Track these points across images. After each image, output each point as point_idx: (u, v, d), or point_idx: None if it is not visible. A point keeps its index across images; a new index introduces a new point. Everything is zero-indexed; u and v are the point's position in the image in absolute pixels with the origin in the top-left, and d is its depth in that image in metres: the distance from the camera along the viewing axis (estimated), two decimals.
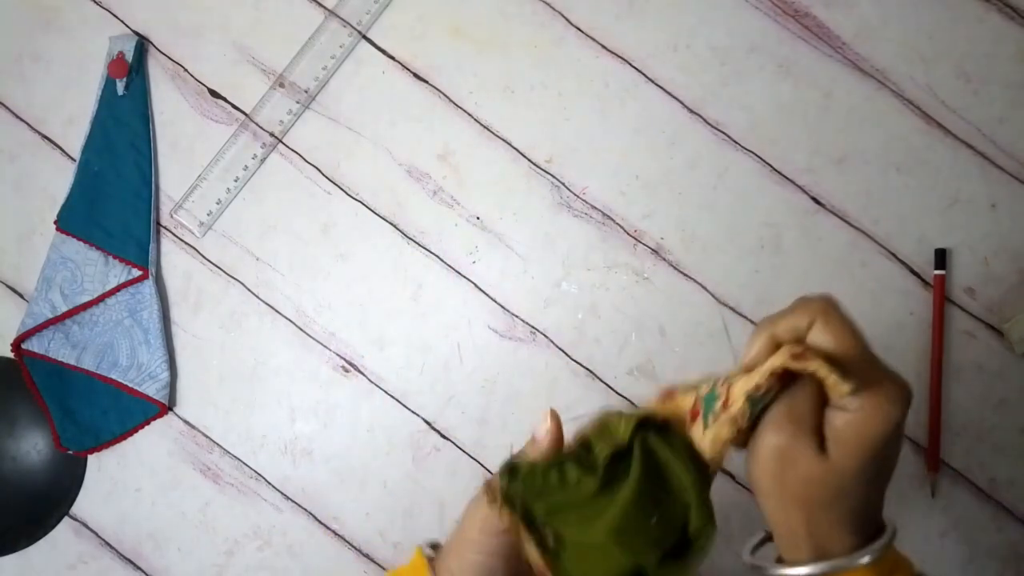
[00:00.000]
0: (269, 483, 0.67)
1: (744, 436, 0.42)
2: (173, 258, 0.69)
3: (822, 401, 0.39)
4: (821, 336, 0.38)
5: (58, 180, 0.70)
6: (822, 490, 0.39)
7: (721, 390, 0.42)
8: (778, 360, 0.38)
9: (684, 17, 0.68)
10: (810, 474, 0.39)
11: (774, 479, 0.40)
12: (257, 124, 0.69)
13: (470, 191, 0.68)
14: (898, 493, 0.64)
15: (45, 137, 0.71)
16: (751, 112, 0.67)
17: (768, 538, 0.44)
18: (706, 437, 0.43)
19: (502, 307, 0.67)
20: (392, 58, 0.69)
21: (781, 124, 0.67)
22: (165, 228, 0.69)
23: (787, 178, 0.66)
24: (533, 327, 0.67)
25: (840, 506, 0.39)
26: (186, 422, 0.68)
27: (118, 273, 0.68)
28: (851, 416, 0.38)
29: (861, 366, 0.38)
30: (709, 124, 0.67)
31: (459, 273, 0.67)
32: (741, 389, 0.41)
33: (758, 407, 0.40)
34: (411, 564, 0.47)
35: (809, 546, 0.40)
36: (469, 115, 0.68)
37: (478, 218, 0.68)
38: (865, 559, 0.38)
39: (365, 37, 0.70)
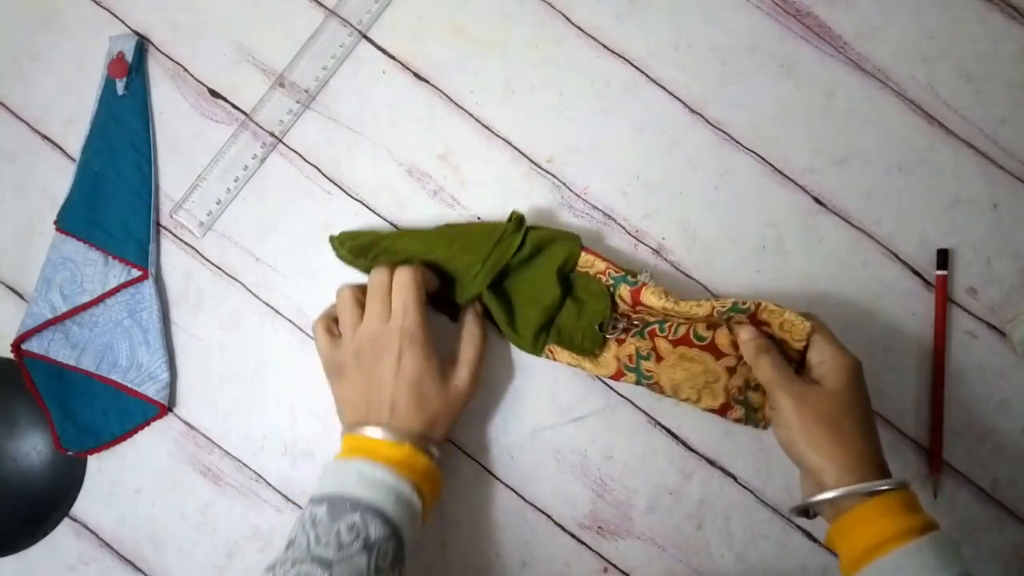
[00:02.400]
0: (269, 484, 0.67)
1: (763, 416, 0.61)
2: (173, 258, 0.69)
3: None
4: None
5: (58, 180, 0.70)
6: (831, 407, 0.53)
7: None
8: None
9: (685, 17, 0.68)
10: (818, 399, 0.54)
11: (799, 418, 0.54)
12: (257, 124, 0.69)
13: (471, 191, 0.68)
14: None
15: (45, 137, 0.71)
16: (752, 112, 0.67)
17: (804, 509, 0.55)
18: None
19: None
20: (392, 58, 0.69)
21: (782, 124, 0.67)
22: (165, 228, 0.69)
23: (788, 178, 0.66)
24: None
25: (849, 431, 0.53)
26: (186, 423, 0.68)
27: (118, 273, 0.68)
28: (827, 358, 0.56)
29: (832, 339, 0.58)
30: (710, 124, 0.67)
31: None
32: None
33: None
34: None
35: (834, 477, 0.52)
36: (470, 115, 0.68)
37: (479, 218, 0.68)
38: (886, 486, 0.50)
39: (365, 37, 0.70)
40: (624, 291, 0.61)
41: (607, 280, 0.62)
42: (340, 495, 0.52)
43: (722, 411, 0.61)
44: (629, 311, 0.62)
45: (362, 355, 0.58)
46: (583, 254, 0.62)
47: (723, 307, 0.58)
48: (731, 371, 0.60)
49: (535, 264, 0.63)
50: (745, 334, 0.58)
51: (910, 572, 0.47)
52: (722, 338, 0.59)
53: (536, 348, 0.62)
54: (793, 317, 0.57)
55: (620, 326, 0.61)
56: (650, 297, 0.60)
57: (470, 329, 0.62)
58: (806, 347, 0.58)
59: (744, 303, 0.58)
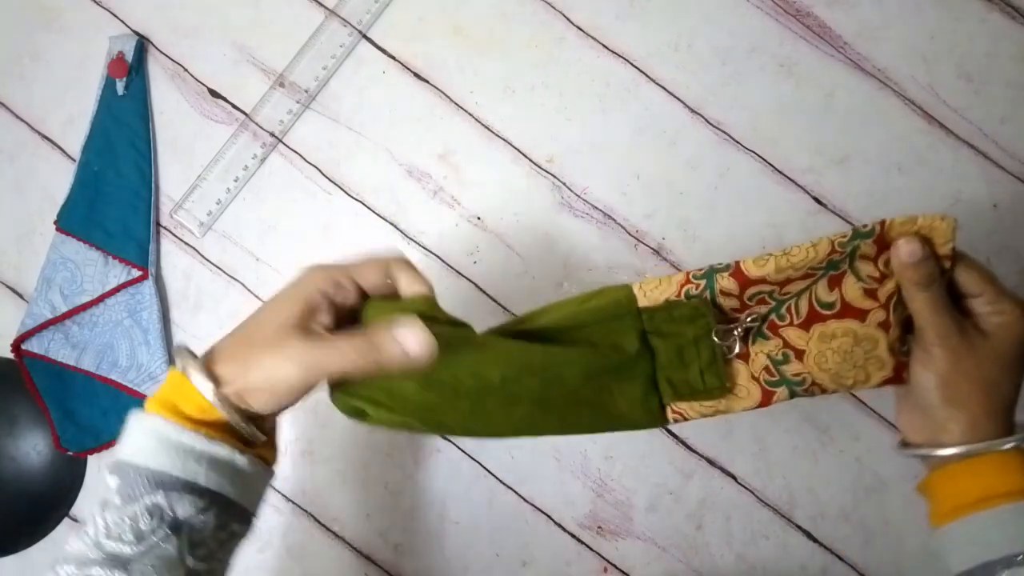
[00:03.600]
0: (269, 484, 0.67)
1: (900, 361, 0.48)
2: (173, 258, 0.69)
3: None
4: (964, 275, 0.47)
5: (58, 180, 0.70)
6: (992, 366, 0.46)
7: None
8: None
9: (685, 17, 0.68)
10: (982, 356, 0.46)
11: (953, 372, 0.46)
12: (257, 124, 0.69)
13: (471, 191, 0.68)
14: (902, 494, 0.63)
15: (45, 137, 0.71)
16: (752, 112, 0.67)
17: (904, 443, 0.50)
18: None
19: (503, 308, 0.67)
20: (392, 58, 0.69)
21: (782, 124, 0.67)
22: (165, 228, 0.69)
23: (788, 178, 0.66)
24: None
25: (998, 389, 0.46)
26: None
27: (118, 273, 0.68)
28: (1006, 317, 0.46)
29: (1005, 291, 0.47)
30: (710, 124, 0.67)
31: (460, 274, 0.67)
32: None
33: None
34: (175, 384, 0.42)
35: (963, 431, 0.46)
36: (470, 115, 0.68)
37: (479, 218, 0.68)
38: (1009, 445, 0.45)
39: (365, 37, 0.70)
40: (724, 281, 0.46)
41: (693, 291, 0.47)
42: (134, 465, 0.41)
43: (897, 377, 0.48)
44: (736, 306, 0.48)
45: None
46: (636, 290, 0.48)
47: (844, 238, 0.45)
48: (885, 326, 0.47)
49: (595, 344, 0.48)
50: (905, 251, 0.45)
51: (1015, 530, 0.44)
52: (851, 290, 0.46)
53: (658, 418, 0.49)
54: (931, 220, 0.45)
55: (736, 332, 0.48)
56: (756, 267, 0.46)
57: (377, 337, 0.42)
58: (953, 261, 0.46)
59: (866, 226, 0.45)
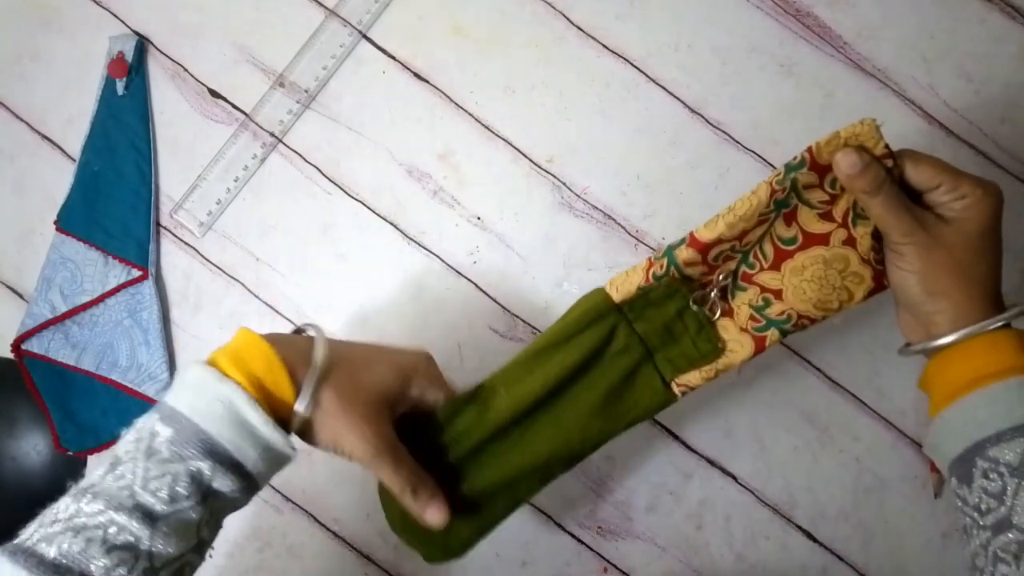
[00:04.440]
0: (269, 484, 0.67)
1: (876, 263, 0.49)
2: (173, 258, 0.69)
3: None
4: (913, 170, 0.47)
5: (58, 180, 0.70)
6: (964, 252, 0.45)
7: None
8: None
9: (685, 17, 0.68)
10: (952, 245, 0.45)
11: (927, 265, 0.46)
12: (257, 124, 0.69)
13: (471, 191, 0.68)
14: (900, 494, 0.63)
15: (45, 137, 0.71)
16: (752, 112, 0.67)
17: (906, 346, 0.49)
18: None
19: (503, 307, 0.67)
20: (392, 58, 0.69)
21: (782, 124, 0.67)
22: (165, 228, 0.69)
23: None
24: (534, 327, 0.66)
25: (975, 272, 0.46)
26: None
27: (118, 273, 0.68)
28: (967, 199, 0.45)
29: (963, 174, 0.46)
30: (710, 124, 0.67)
31: (460, 273, 0.67)
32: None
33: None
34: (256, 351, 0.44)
35: (950, 319, 0.46)
36: (470, 115, 0.68)
37: (479, 218, 0.68)
38: (996, 324, 0.44)
39: (365, 37, 0.70)
40: (684, 254, 0.49)
41: (659, 272, 0.49)
42: (193, 425, 0.41)
43: (878, 284, 0.50)
44: (704, 271, 0.50)
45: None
46: (608, 288, 0.51)
47: (779, 176, 0.47)
48: (850, 242, 0.48)
49: (585, 357, 0.51)
50: (845, 164, 0.45)
51: (1005, 406, 0.43)
52: (807, 219, 0.48)
53: (667, 397, 0.51)
54: (853, 129, 0.46)
55: (712, 294, 0.50)
56: (707, 231, 0.48)
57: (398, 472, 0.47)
58: (893, 158, 0.46)
59: (795, 158, 0.46)
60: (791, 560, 0.64)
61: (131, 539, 0.38)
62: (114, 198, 0.68)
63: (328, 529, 0.66)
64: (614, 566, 0.64)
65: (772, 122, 0.67)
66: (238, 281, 0.69)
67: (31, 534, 0.39)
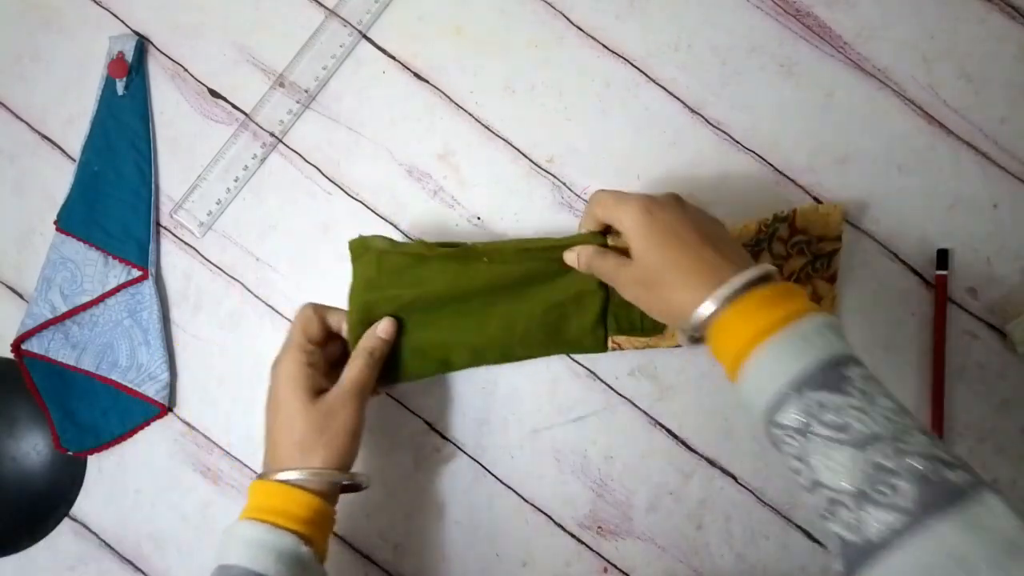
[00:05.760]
0: None
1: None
2: (173, 258, 0.69)
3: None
4: (597, 211, 0.55)
5: (58, 180, 0.70)
6: (641, 274, 0.51)
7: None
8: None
9: (685, 17, 0.68)
10: (629, 271, 0.52)
11: (629, 295, 0.53)
12: (257, 124, 0.69)
13: (471, 191, 0.68)
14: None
15: (45, 137, 0.71)
16: (752, 112, 0.67)
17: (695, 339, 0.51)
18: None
19: None
20: (392, 58, 0.69)
21: (782, 124, 0.67)
22: (165, 228, 0.69)
23: (788, 178, 0.66)
24: None
25: (670, 279, 0.49)
26: (186, 423, 0.68)
27: (118, 273, 0.68)
28: (623, 224, 0.52)
29: (618, 201, 0.53)
30: (710, 124, 0.67)
31: None
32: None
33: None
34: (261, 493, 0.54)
35: (677, 321, 0.50)
36: (470, 115, 0.68)
37: (479, 218, 0.68)
38: (726, 291, 0.46)
39: (365, 36, 0.70)
40: None
41: None
42: (223, 566, 0.51)
43: (760, 232, 0.62)
44: None
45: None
46: (610, 241, 0.58)
47: (767, 221, 0.61)
48: (763, 227, 0.62)
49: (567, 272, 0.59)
50: (569, 257, 0.57)
51: (767, 371, 0.44)
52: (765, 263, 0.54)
53: (601, 345, 0.60)
54: (827, 208, 0.61)
55: None
56: None
57: (359, 348, 0.57)
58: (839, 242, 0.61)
59: (783, 212, 0.61)
60: (791, 560, 0.64)
61: None
62: (114, 198, 0.68)
63: None
64: (614, 566, 0.64)
65: (772, 122, 0.67)
66: (238, 281, 0.69)
67: None
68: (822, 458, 0.41)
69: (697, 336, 0.49)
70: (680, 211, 0.52)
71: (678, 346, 0.61)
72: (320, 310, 0.58)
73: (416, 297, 0.58)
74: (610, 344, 0.60)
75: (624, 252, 0.54)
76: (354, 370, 0.56)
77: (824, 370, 0.43)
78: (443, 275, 0.58)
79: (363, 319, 0.58)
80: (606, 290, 0.58)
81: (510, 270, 0.58)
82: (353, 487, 0.57)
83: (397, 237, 0.68)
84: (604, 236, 0.58)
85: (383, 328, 0.58)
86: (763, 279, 0.47)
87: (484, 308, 0.59)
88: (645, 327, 0.59)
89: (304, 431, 0.53)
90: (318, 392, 0.55)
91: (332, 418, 0.54)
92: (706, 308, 0.47)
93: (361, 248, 0.60)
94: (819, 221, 0.61)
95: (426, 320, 0.59)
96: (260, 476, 0.54)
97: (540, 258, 0.59)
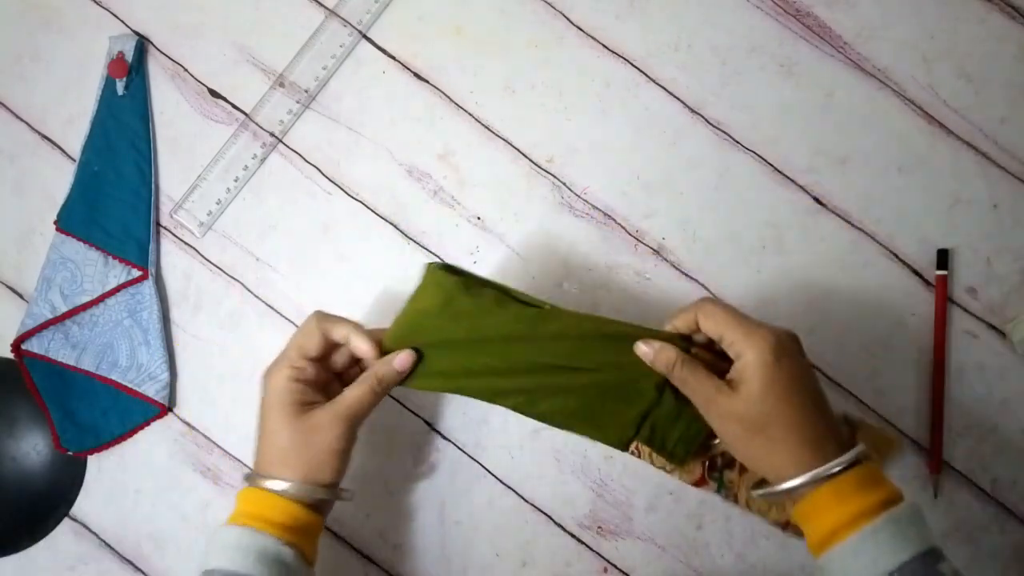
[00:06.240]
0: None
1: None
2: (173, 258, 0.69)
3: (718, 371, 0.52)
4: (704, 321, 0.52)
5: (58, 180, 0.70)
6: (754, 416, 0.49)
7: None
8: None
9: (685, 17, 0.68)
10: (738, 409, 0.49)
11: (728, 435, 0.51)
12: (257, 124, 0.69)
13: (471, 191, 0.68)
14: None
15: (45, 137, 0.71)
16: (752, 112, 0.67)
17: (763, 481, 0.52)
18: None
19: None
20: (392, 58, 0.69)
21: (782, 124, 0.67)
22: (165, 228, 0.69)
23: (789, 178, 0.66)
24: None
25: (779, 430, 0.49)
26: (186, 423, 0.68)
27: (118, 273, 0.68)
28: (744, 358, 0.49)
29: (740, 327, 0.50)
30: (710, 124, 0.67)
31: None
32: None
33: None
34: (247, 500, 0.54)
35: (777, 476, 0.50)
36: (470, 115, 0.68)
37: (479, 218, 0.68)
38: (834, 468, 0.47)
39: (365, 37, 0.70)
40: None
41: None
42: (207, 571, 0.51)
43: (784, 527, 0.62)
44: None
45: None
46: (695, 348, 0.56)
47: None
48: None
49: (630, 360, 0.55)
50: (643, 350, 0.53)
51: (867, 558, 0.45)
52: None
53: (623, 445, 0.56)
54: (883, 435, 0.61)
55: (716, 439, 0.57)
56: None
57: (369, 373, 0.55)
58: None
59: (851, 416, 0.63)
60: (791, 560, 0.64)
61: None
62: (114, 198, 0.68)
63: (328, 529, 0.66)
64: (614, 566, 0.64)
65: (772, 122, 0.67)
66: (238, 281, 0.69)
67: None
68: None
69: (773, 495, 0.50)
70: (803, 366, 0.51)
71: (694, 484, 0.62)
72: (325, 323, 0.55)
73: (466, 339, 0.55)
74: (632, 447, 0.59)
75: (713, 365, 0.52)
76: (355, 392, 0.54)
77: (922, 563, 0.45)
78: (504, 329, 0.54)
79: (398, 340, 0.55)
80: (660, 396, 0.54)
81: (575, 346, 0.54)
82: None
83: (397, 237, 0.68)
84: (688, 340, 0.54)
85: (400, 361, 0.54)
86: (859, 459, 0.48)
87: (527, 361, 0.55)
88: (675, 453, 0.56)
89: (286, 446, 0.53)
90: (307, 405, 0.53)
91: (316, 435, 0.53)
92: (804, 480, 0.48)
93: (434, 279, 0.56)
94: (875, 443, 0.61)
95: (460, 355, 0.55)
96: (246, 478, 0.55)
97: (611, 339, 0.54)
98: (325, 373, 0.56)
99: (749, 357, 0.49)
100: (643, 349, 0.53)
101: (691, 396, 0.52)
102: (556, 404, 0.55)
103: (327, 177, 0.69)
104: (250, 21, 0.70)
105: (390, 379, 0.54)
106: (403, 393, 0.67)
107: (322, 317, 0.56)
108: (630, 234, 0.67)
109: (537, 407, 0.55)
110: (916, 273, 0.65)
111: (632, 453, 0.62)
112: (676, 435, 0.56)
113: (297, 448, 0.53)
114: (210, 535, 0.53)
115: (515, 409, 0.56)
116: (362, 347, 0.55)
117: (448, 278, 0.55)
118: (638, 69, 0.68)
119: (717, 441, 0.57)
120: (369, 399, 0.54)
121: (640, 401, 0.55)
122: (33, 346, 0.67)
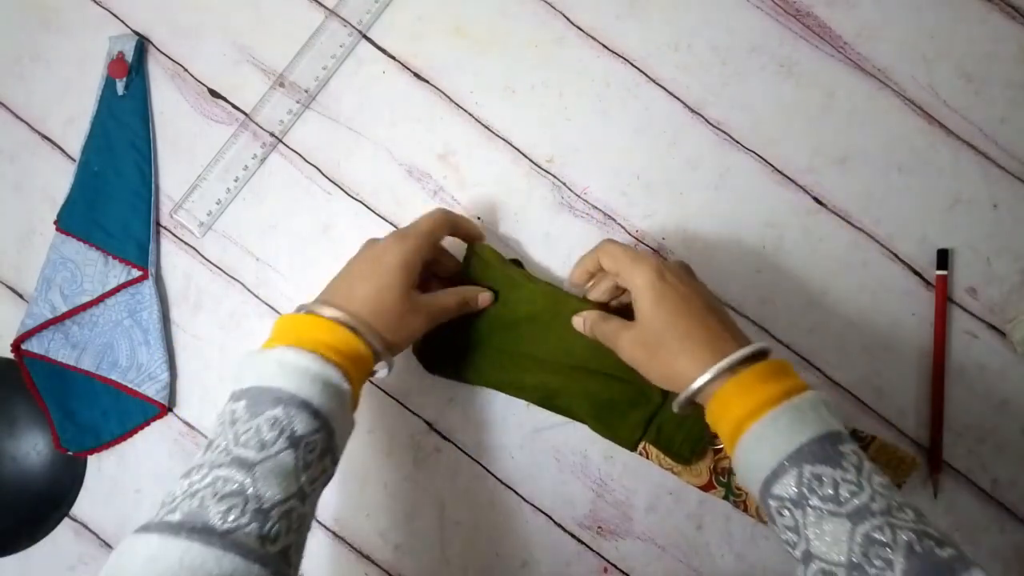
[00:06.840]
0: None
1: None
2: (173, 258, 0.69)
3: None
4: (604, 259, 0.57)
5: (58, 180, 0.70)
6: (646, 337, 0.52)
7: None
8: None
9: (685, 17, 0.68)
10: (633, 335, 0.53)
11: (632, 360, 0.54)
12: (257, 124, 0.69)
13: (471, 191, 0.68)
14: (900, 493, 0.63)
15: (45, 137, 0.71)
16: (752, 112, 0.67)
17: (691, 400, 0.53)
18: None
19: None
20: (392, 58, 0.69)
21: (782, 124, 0.67)
22: (165, 228, 0.69)
23: (788, 178, 0.66)
24: None
25: (670, 346, 0.51)
26: (186, 423, 0.68)
27: (118, 273, 0.68)
28: (633, 284, 0.53)
29: (630, 259, 0.54)
30: (710, 124, 0.67)
31: None
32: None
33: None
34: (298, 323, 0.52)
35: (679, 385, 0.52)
36: (470, 115, 0.68)
37: (479, 218, 0.68)
38: (724, 365, 0.49)
39: (365, 36, 0.70)
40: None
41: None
42: (259, 387, 0.47)
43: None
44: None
45: (362, 250, 0.58)
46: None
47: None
48: None
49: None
50: (577, 323, 0.59)
51: (768, 445, 0.46)
52: None
53: (631, 444, 0.62)
54: (903, 452, 0.61)
55: (717, 440, 0.61)
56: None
57: (460, 289, 0.60)
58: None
59: (863, 433, 0.62)
60: (791, 560, 0.63)
61: (236, 486, 0.43)
62: (114, 198, 0.68)
63: (328, 530, 0.66)
64: (614, 566, 0.64)
65: (772, 122, 0.67)
66: (238, 281, 0.69)
67: (157, 513, 0.43)
68: (816, 530, 0.43)
69: (691, 402, 0.51)
70: (691, 281, 0.54)
71: (702, 488, 0.62)
72: (452, 219, 0.60)
73: (510, 320, 0.62)
74: (640, 448, 0.62)
75: (623, 314, 0.56)
76: (448, 299, 0.58)
77: (821, 445, 0.45)
78: (536, 302, 0.61)
79: (486, 267, 0.62)
80: (664, 400, 0.60)
81: (593, 349, 0.59)
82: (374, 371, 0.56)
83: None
84: (606, 307, 0.60)
85: (484, 298, 0.61)
86: (761, 354, 0.50)
87: (557, 356, 0.61)
88: (681, 452, 0.61)
89: (389, 309, 0.53)
90: (414, 284, 0.56)
91: (412, 316, 0.55)
92: (707, 377, 0.49)
93: (481, 251, 0.63)
94: (891, 461, 0.60)
95: (498, 341, 0.62)
96: (302, 309, 0.53)
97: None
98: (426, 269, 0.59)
99: (637, 282, 0.53)
100: (577, 322, 0.59)
101: (609, 345, 0.56)
102: (573, 403, 0.62)
103: (327, 177, 0.69)
104: (250, 21, 0.70)
105: (472, 306, 0.60)
106: (403, 393, 0.67)
107: (449, 213, 0.60)
108: (630, 234, 0.67)
109: (555, 404, 0.62)
110: (916, 273, 0.65)
111: (640, 454, 0.63)
112: (681, 436, 0.60)
113: (393, 314, 0.54)
114: (256, 354, 0.49)
115: (535, 404, 0.63)
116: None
117: (486, 251, 0.63)
118: (638, 69, 0.68)
119: (720, 446, 0.59)
120: (454, 310, 0.59)
121: (647, 405, 0.60)
122: (33, 346, 0.67)
